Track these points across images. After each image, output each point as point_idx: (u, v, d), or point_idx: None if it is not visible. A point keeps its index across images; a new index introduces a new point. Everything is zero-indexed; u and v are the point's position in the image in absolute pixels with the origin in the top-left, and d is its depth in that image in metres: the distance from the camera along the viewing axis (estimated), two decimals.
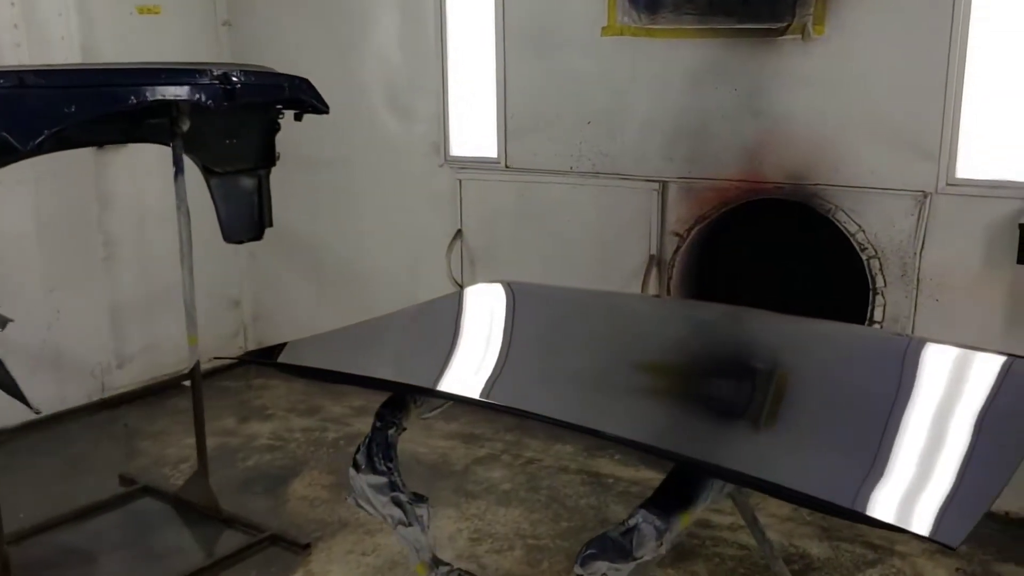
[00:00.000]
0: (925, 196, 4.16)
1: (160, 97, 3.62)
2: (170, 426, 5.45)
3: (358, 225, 6.02)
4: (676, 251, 4.85)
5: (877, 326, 4.31)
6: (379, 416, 2.44)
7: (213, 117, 4.18)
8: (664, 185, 4.82)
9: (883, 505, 1.78)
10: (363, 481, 2.33)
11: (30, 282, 5.37)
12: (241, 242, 4.50)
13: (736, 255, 4.96)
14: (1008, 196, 3.97)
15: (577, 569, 1.90)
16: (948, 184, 4.11)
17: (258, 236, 4.54)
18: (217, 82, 3.76)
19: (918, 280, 4.25)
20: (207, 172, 4.36)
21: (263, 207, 4.52)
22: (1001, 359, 2.73)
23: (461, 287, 5.39)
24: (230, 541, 4.14)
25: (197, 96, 3.73)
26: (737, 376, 2.62)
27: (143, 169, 5.76)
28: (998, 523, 4.22)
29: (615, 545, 1.87)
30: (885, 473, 1.94)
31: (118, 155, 5.72)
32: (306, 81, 4.19)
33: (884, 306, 4.32)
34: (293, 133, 6.05)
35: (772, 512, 4.26)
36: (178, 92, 3.66)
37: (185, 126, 3.98)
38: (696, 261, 4.95)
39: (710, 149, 4.68)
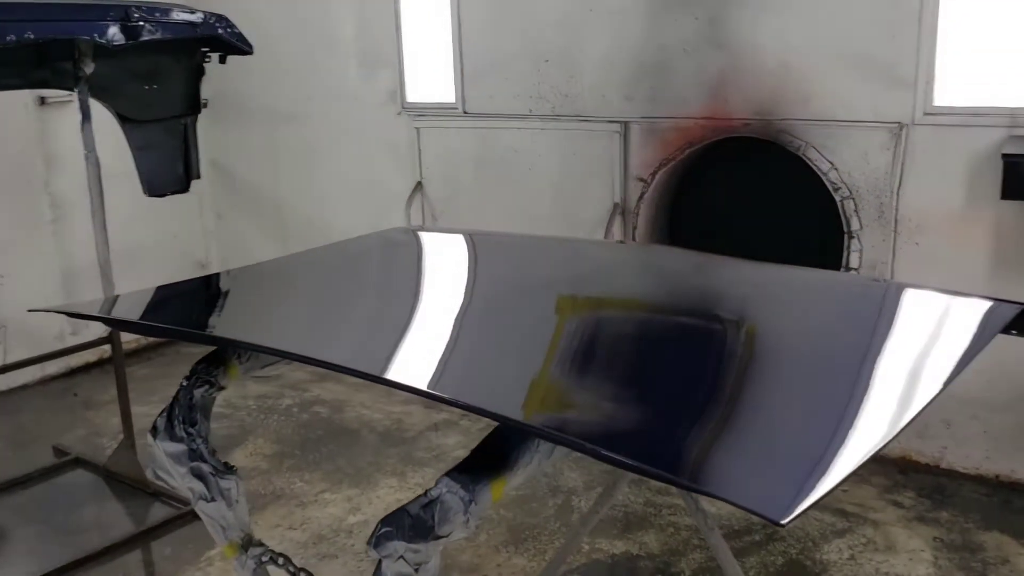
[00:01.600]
0: (901, 128, 3.75)
1: (48, 35, 3.33)
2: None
3: (320, 181, 5.71)
4: (640, 197, 4.48)
5: (853, 273, 3.92)
6: (190, 373, 2.13)
7: (125, 60, 3.89)
8: (626, 126, 4.44)
9: (709, 471, 1.45)
10: (160, 449, 2.03)
11: None
12: (164, 195, 4.19)
13: (704, 200, 4.58)
14: (991, 124, 3.55)
15: (371, 551, 1.58)
16: (925, 114, 3.70)
17: (183, 189, 4.24)
18: (115, 19, 3.45)
19: (896, 221, 3.85)
20: (123, 120, 4.06)
21: (189, 158, 4.21)
22: (969, 303, 2.35)
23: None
24: (155, 515, 3.88)
25: (92, 34, 3.42)
26: (626, 324, 2.26)
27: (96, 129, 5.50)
28: (987, 487, 3.85)
29: (414, 521, 1.55)
30: (742, 433, 1.59)
31: (63, 112, 5.43)
32: (223, 18, 3.85)
33: (860, 251, 3.93)
34: (250, 86, 5.78)
35: None
36: (67, 29, 3.36)
37: (88, 69, 3.67)
38: (662, 208, 4.59)
39: (672, 85, 4.29)
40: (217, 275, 2.82)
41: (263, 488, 4.07)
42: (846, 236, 3.95)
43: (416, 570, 1.56)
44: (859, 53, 3.80)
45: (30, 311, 2.41)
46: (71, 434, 4.74)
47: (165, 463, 2.03)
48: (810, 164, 3.97)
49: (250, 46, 4.00)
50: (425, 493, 1.58)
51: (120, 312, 2.42)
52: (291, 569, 2.00)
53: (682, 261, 2.96)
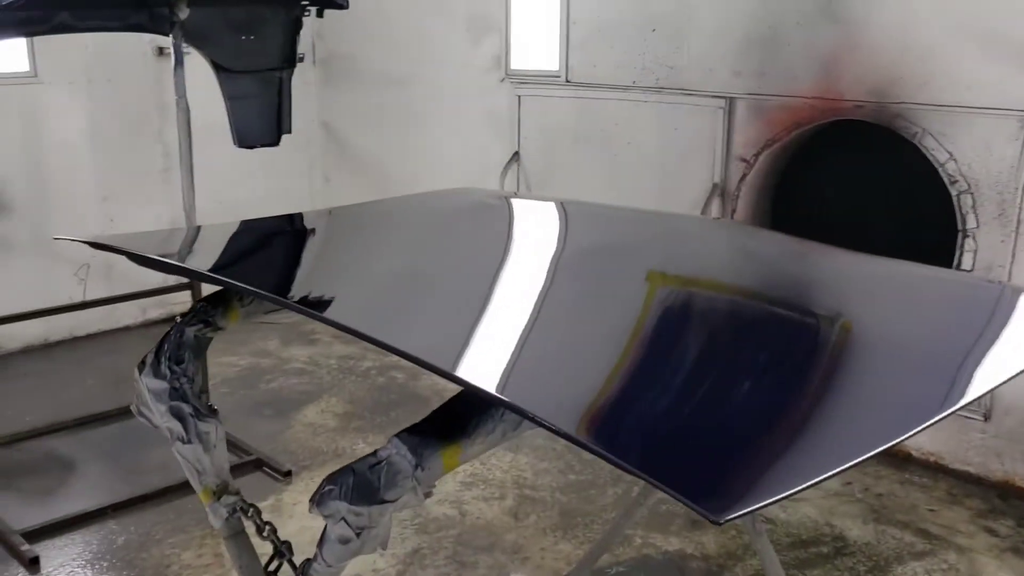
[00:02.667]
0: None
1: None
2: (216, 344, 5.30)
3: (422, 146, 5.65)
4: (742, 179, 4.22)
5: (963, 272, 3.57)
6: (189, 311, 2.06)
7: (223, 8, 3.91)
8: (731, 102, 4.19)
9: (660, 458, 1.25)
10: (144, 384, 1.96)
11: (82, 189, 5.31)
12: (253, 147, 4.20)
13: (809, 187, 4.28)
14: None
15: (312, 508, 1.47)
16: None
17: (274, 142, 4.23)
18: None
19: (1019, 221, 3.47)
20: (218, 69, 4.08)
21: (282, 111, 4.21)
22: None
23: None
24: None
25: None
26: (685, 307, 2.06)
27: (207, 80, 5.60)
28: None
29: (359, 481, 1.43)
30: (731, 427, 1.37)
31: None
32: None
33: (975, 252, 3.57)
34: (363, 49, 5.79)
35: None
36: None
37: (183, 14, 3.69)
38: (765, 192, 4.31)
39: (782, 61, 4.01)
40: (298, 215, 2.79)
41: (326, 446, 4.06)
42: (960, 234, 3.60)
43: (358, 534, 1.44)
44: (989, 31, 3.44)
45: (55, 238, 2.40)
46: None
47: (148, 399, 1.98)
48: (926, 153, 3.63)
49: (346, 0, 3.96)
50: (374, 452, 1.46)
51: (144, 246, 2.38)
52: (259, 522, 1.92)
53: (769, 243, 2.73)
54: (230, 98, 4.11)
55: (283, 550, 1.83)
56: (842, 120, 3.88)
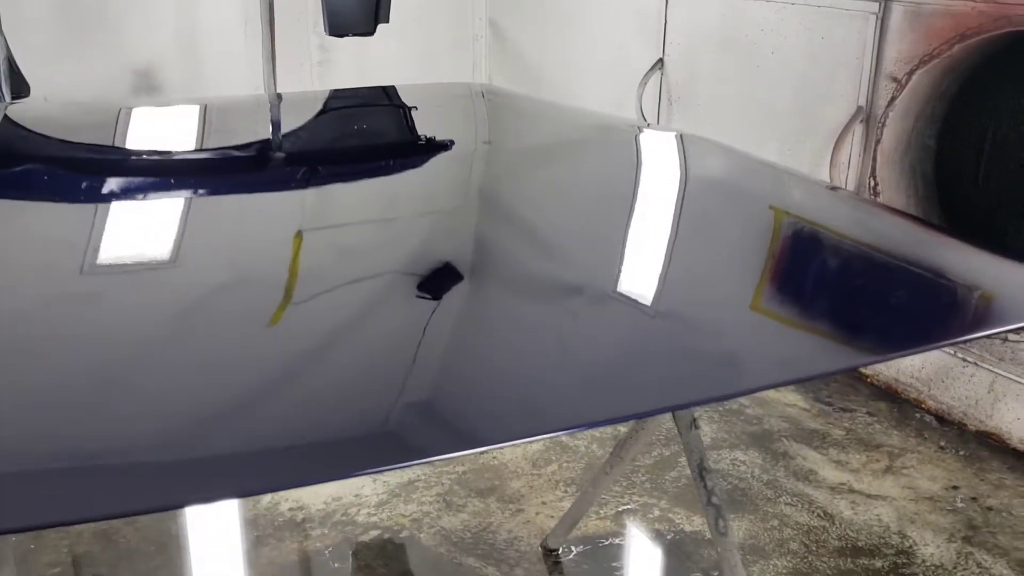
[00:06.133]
0: None
1: None
2: None
3: (577, 48, 5.20)
4: (890, 103, 3.46)
5: None
6: None
7: None
8: (885, 7, 3.42)
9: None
10: None
11: (235, 77, 5.35)
12: (344, 36, 3.97)
13: (981, 120, 3.43)
14: None
15: None
16: None
17: (369, 31, 3.98)
18: None
19: None
20: None
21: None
22: None
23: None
24: None
25: None
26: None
27: None
28: None
29: None
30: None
31: None
32: None
33: None
34: None
35: (914, 485, 2.99)
36: None
37: None
38: (924, 121, 3.51)
39: None
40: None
41: None
42: None
43: None
44: None
45: None
46: None
47: None
48: None
49: None
50: None
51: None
52: None
53: None
54: None
55: None
56: (1019, 33, 3.03)
